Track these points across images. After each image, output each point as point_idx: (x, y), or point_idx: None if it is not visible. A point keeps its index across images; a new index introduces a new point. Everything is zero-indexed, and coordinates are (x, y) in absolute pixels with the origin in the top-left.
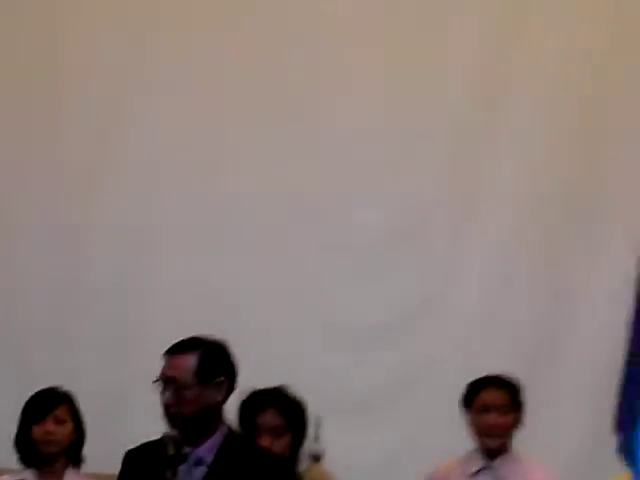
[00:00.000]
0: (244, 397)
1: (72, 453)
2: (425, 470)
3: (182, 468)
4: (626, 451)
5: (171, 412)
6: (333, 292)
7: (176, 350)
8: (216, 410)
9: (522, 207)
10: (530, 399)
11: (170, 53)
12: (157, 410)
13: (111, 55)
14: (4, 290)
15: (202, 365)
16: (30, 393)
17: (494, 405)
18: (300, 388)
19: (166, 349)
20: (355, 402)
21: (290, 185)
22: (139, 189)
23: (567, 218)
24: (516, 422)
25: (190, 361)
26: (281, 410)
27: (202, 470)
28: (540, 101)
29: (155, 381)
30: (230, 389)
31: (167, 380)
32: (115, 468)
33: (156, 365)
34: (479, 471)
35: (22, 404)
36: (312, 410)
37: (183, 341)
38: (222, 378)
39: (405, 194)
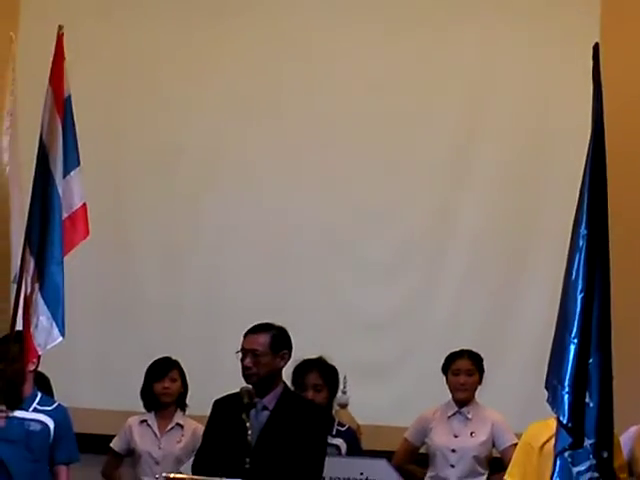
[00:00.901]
0: (296, 364)
1: (180, 401)
2: (417, 414)
3: (252, 412)
4: (552, 402)
5: (250, 372)
6: (354, 298)
7: (256, 330)
8: (278, 372)
9: (479, 247)
10: (489, 366)
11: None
12: (236, 371)
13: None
14: (130, 288)
15: (273, 341)
16: (149, 360)
17: (463, 369)
18: (334, 358)
19: (248, 329)
20: (370, 369)
21: (329, 232)
22: (226, 228)
23: (510, 244)
24: (478, 381)
25: (266, 338)
26: (321, 372)
27: (266, 414)
28: (490, 178)
29: (238, 351)
30: (288, 358)
31: (249, 350)
32: (207, 411)
33: (235, 340)
34: (454, 414)
35: (143, 368)
36: (341, 372)
37: (260, 324)
38: (285, 351)
39: (402, 232)
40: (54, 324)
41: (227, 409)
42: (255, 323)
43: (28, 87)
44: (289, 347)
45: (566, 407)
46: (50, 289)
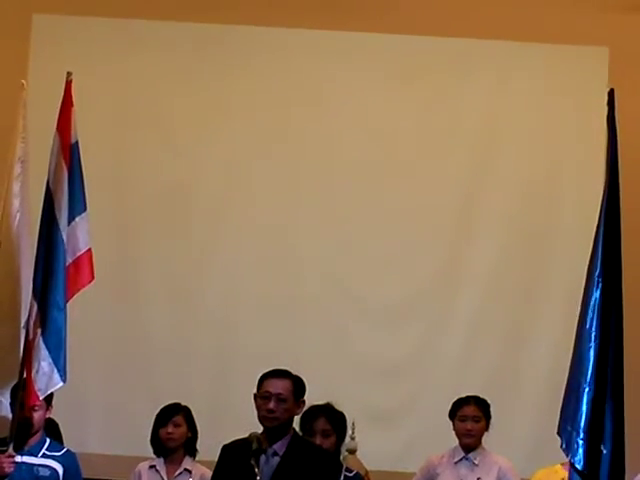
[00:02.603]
0: (304, 410)
1: (188, 447)
2: (425, 458)
3: (262, 458)
4: (567, 448)
5: (274, 416)
6: (363, 345)
7: (279, 375)
8: (293, 419)
9: (487, 294)
10: (496, 412)
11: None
12: (245, 417)
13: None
14: (137, 333)
15: (296, 388)
16: (158, 405)
17: (469, 416)
18: (342, 404)
19: (268, 373)
20: (378, 415)
21: (338, 279)
22: (236, 271)
23: (519, 291)
24: (485, 427)
25: (289, 384)
26: (329, 418)
27: (276, 460)
28: (501, 216)
29: (258, 395)
30: (303, 407)
31: (275, 394)
32: (216, 456)
33: (244, 386)
34: (460, 460)
35: (153, 414)
36: (349, 418)
37: (280, 370)
38: (303, 399)
39: (411, 278)
40: (55, 369)
41: (236, 455)
42: (271, 368)
43: (38, 133)
44: (304, 395)
45: (582, 454)
46: (52, 334)
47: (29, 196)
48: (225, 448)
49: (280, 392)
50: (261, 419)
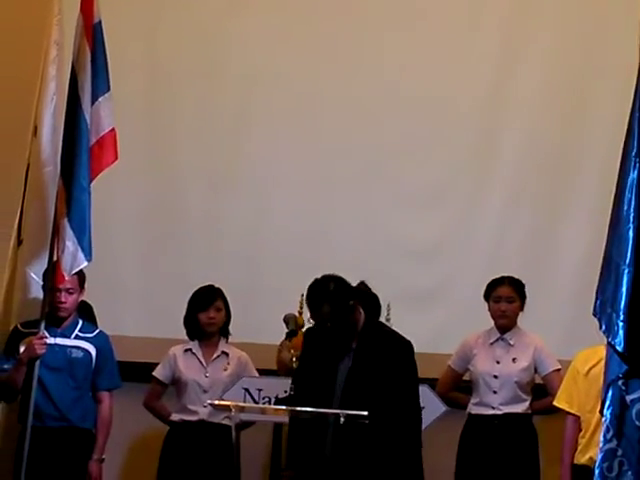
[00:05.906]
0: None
1: (223, 329)
2: (460, 339)
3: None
4: (606, 330)
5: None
6: (396, 225)
7: (316, 300)
8: (356, 317)
9: (523, 173)
10: (533, 293)
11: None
12: (277, 298)
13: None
14: (170, 214)
15: (339, 308)
16: (190, 286)
17: (503, 296)
18: (377, 286)
19: (307, 297)
20: (413, 297)
21: (373, 158)
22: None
23: (553, 170)
24: (520, 308)
25: (331, 309)
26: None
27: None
28: (534, 103)
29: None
30: (358, 303)
31: (325, 322)
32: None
33: (277, 266)
34: (496, 341)
35: (185, 295)
36: (384, 300)
37: (316, 291)
38: (351, 302)
39: (445, 159)
40: (79, 249)
41: (320, 341)
42: (308, 288)
43: (71, 18)
44: (352, 295)
45: (622, 335)
46: (76, 214)
47: (65, 79)
48: (309, 332)
49: (326, 322)
50: None
